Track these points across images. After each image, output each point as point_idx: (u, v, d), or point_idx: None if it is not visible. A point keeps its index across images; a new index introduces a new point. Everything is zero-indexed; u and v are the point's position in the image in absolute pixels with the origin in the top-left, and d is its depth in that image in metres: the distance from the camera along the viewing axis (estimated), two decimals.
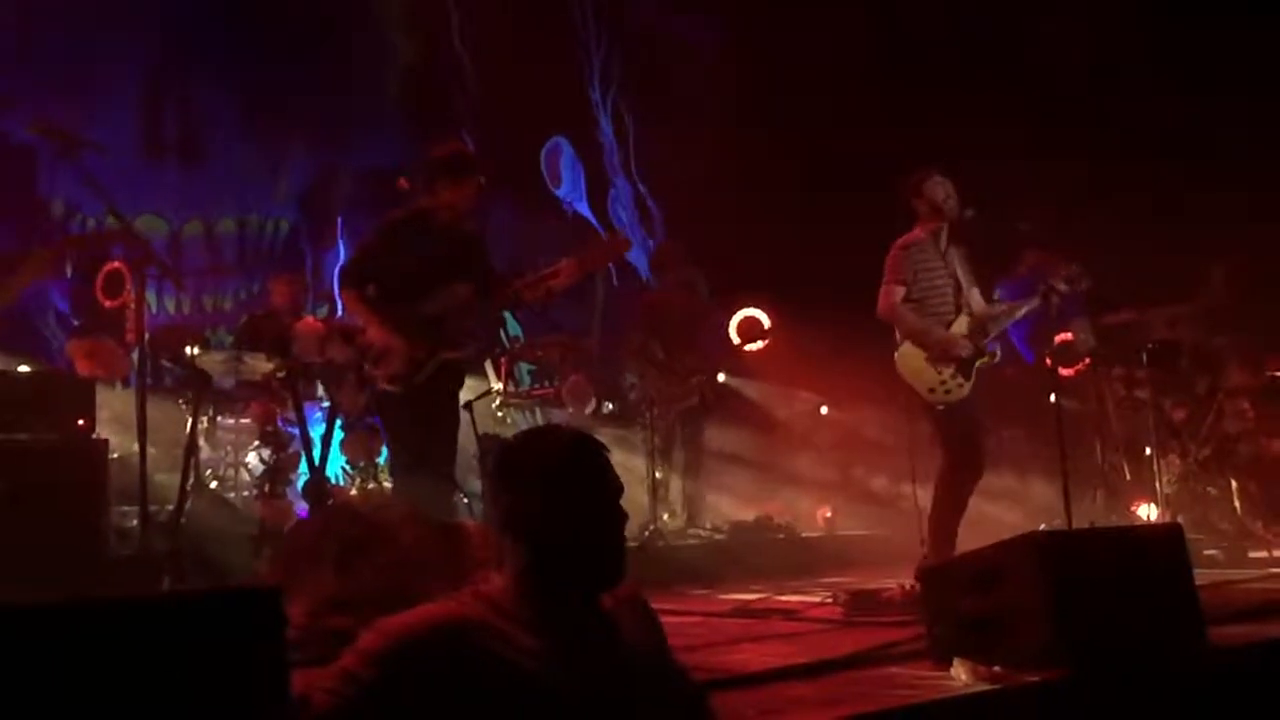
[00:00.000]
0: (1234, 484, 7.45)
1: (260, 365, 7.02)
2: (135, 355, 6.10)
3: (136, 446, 5.12)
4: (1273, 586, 5.66)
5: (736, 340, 10.27)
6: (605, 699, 2.07)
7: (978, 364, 5.66)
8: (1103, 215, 8.83)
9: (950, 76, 10.02)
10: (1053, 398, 5.81)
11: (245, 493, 7.06)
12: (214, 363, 7.04)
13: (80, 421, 5.62)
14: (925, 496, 5.84)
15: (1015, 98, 9.81)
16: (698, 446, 8.46)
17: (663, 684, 2.21)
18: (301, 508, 6.75)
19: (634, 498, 2.00)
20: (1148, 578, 3.70)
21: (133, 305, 6.14)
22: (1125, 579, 3.61)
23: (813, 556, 7.81)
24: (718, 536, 8.06)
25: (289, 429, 7.06)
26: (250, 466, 7.14)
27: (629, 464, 7.67)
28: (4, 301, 5.79)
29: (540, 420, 8.68)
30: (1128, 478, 7.77)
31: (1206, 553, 6.83)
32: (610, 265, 11.47)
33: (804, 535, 8.44)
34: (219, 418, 7.27)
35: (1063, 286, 5.91)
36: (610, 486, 2.20)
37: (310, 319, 7.98)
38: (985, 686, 3.23)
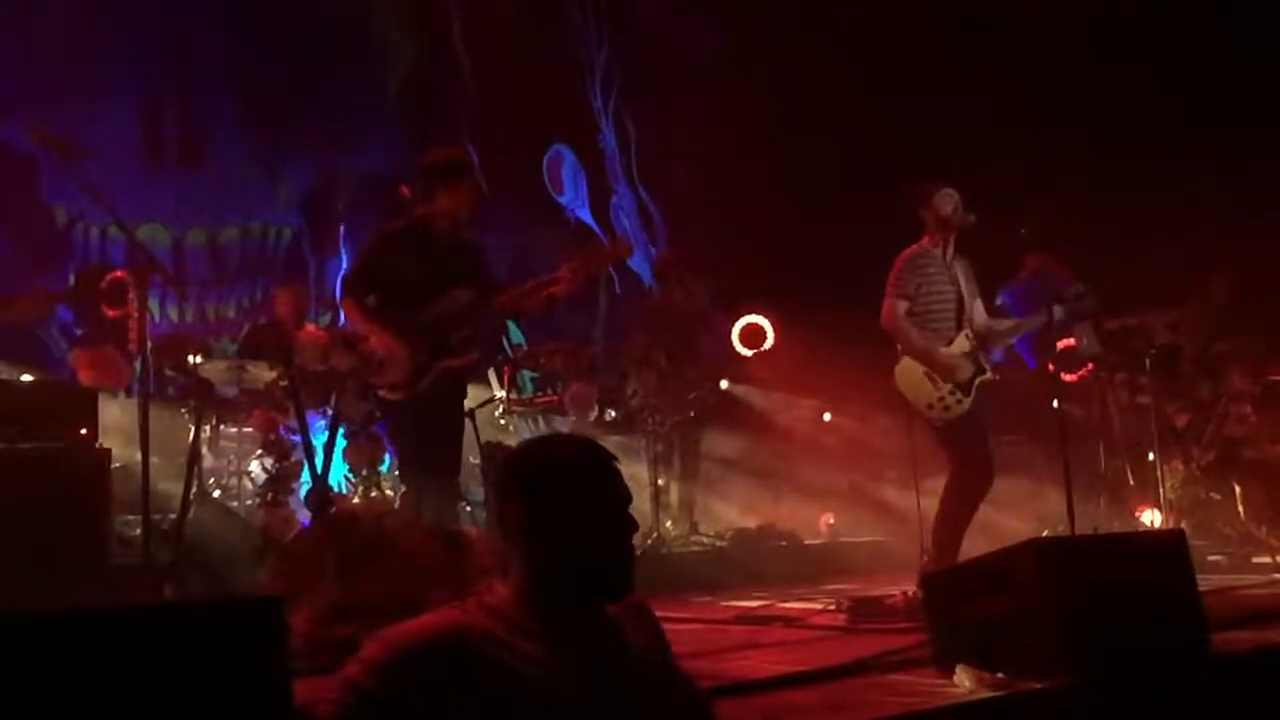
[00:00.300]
0: (1237, 489, 7.44)
1: (263, 374, 7.02)
2: (138, 364, 6.10)
3: (139, 455, 5.11)
4: (1276, 592, 5.66)
5: (739, 347, 10.28)
6: (609, 707, 2.06)
7: (977, 381, 5.66)
8: (1105, 220, 8.83)
9: (951, 81, 10.03)
10: (1055, 403, 5.80)
11: (248, 501, 7.07)
12: (217, 371, 7.05)
13: (83, 431, 5.63)
14: (927, 504, 5.83)
15: (1015, 100, 9.82)
16: (695, 453, 8.47)
17: (667, 692, 2.20)
18: (304, 516, 6.75)
19: (636, 505, 2.01)
20: (1151, 584, 3.69)
21: (135, 314, 6.14)
22: (1128, 585, 3.61)
23: (815, 563, 7.81)
24: (720, 544, 8.06)
25: (291, 438, 7.07)
26: (253, 475, 7.15)
27: (631, 472, 7.65)
28: None
29: (543, 428, 8.69)
30: (1131, 483, 7.76)
31: (1210, 558, 6.83)
32: (613, 272, 11.49)
33: (806, 542, 8.44)
34: (222, 426, 7.27)
35: (1066, 308, 5.91)
36: (619, 495, 2.20)
37: (313, 327, 7.99)
38: (988, 693, 3.23)
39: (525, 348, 9.79)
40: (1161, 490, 7.19)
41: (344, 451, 7.24)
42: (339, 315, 9.03)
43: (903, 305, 5.74)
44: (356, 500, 7.18)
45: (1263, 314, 7.77)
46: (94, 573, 5.15)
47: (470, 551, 4.25)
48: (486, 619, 2.06)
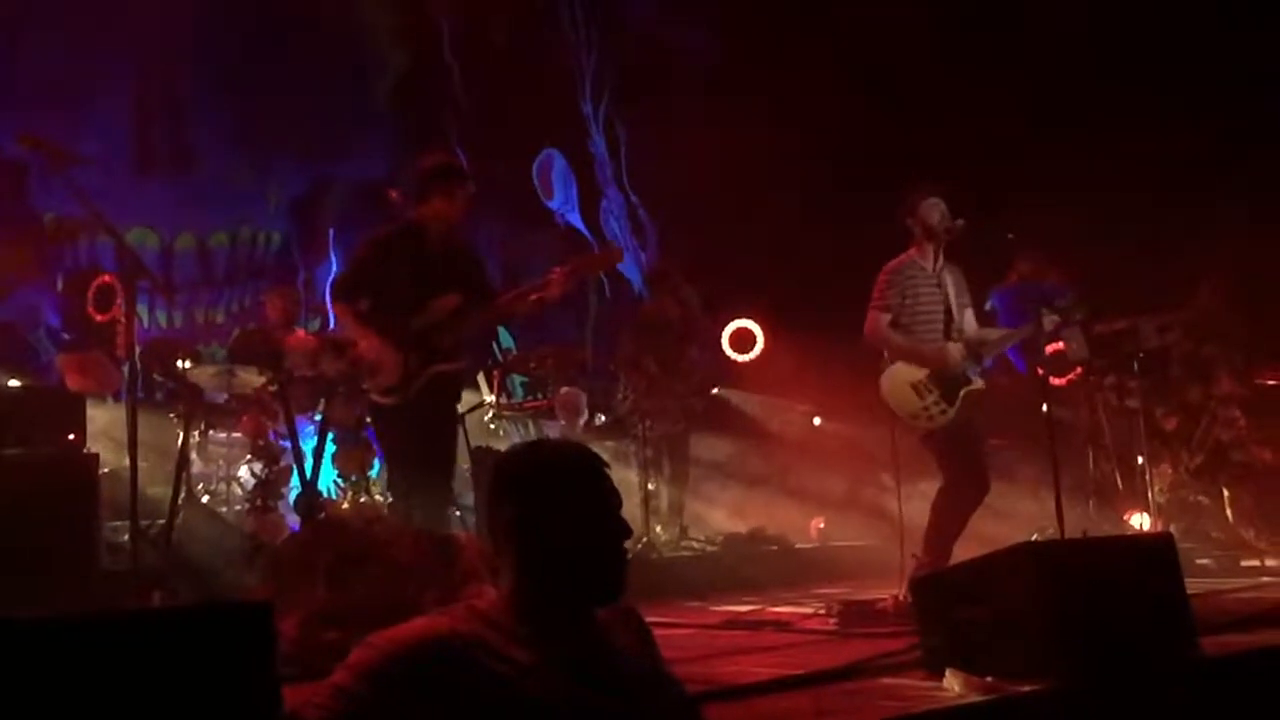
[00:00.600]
0: (1226, 493, 7.48)
1: (252, 379, 7.00)
2: (126, 369, 6.09)
3: (128, 460, 5.10)
4: (1265, 595, 5.67)
5: (730, 352, 10.29)
6: (599, 713, 2.06)
7: (962, 392, 5.66)
8: (1095, 223, 8.85)
9: (948, 83, 10.04)
10: (1044, 407, 5.81)
11: (237, 507, 7.04)
12: (206, 376, 7.03)
13: (71, 436, 5.62)
14: (911, 508, 5.85)
15: (1007, 101, 9.84)
16: (683, 457, 8.46)
17: (656, 697, 2.20)
18: (293, 521, 6.73)
19: (627, 510, 2.01)
20: (1140, 587, 3.70)
21: (124, 319, 6.14)
22: (1118, 588, 3.62)
23: (805, 568, 7.81)
24: (710, 548, 8.06)
25: (281, 443, 7.05)
26: (242, 480, 7.12)
27: (621, 477, 7.61)
28: None
29: (533, 432, 8.68)
30: (1120, 487, 7.78)
31: (1199, 562, 6.86)
32: (603, 277, 11.49)
33: (797, 547, 8.43)
34: (210, 431, 7.25)
35: (1056, 318, 5.92)
36: (610, 499, 2.20)
37: (302, 332, 7.98)
38: (978, 697, 3.24)
39: (515, 352, 9.79)
40: (1150, 494, 7.20)
41: (333, 457, 7.23)
42: (328, 320, 9.02)
43: (884, 318, 5.74)
44: (346, 505, 7.15)
45: (1251, 318, 7.80)
46: (82, 578, 5.13)
47: (460, 556, 4.25)
48: (476, 624, 2.05)
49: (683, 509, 8.47)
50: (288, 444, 6.84)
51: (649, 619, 2.33)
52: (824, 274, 9.12)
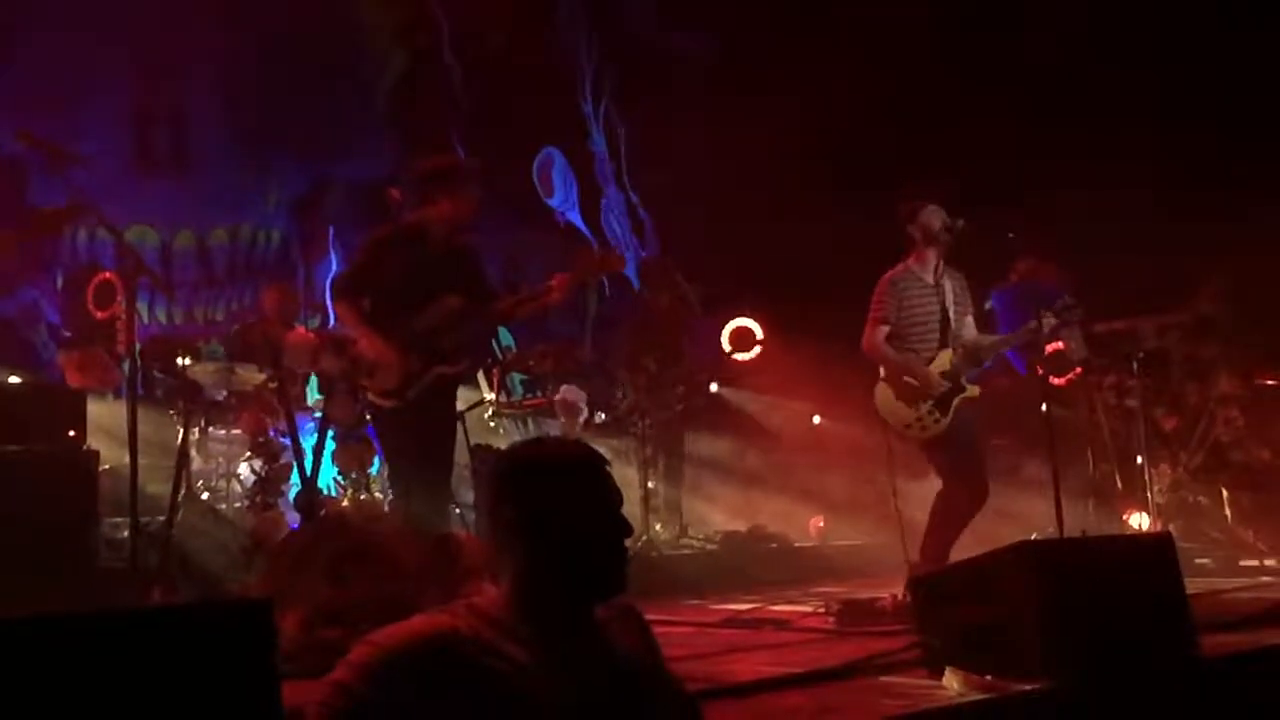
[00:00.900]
0: (1225, 493, 7.47)
1: (252, 376, 7.01)
2: (126, 366, 6.09)
3: (127, 458, 5.10)
4: (1264, 595, 5.67)
5: (729, 349, 10.28)
6: (599, 711, 2.06)
7: (956, 400, 5.67)
8: (1095, 223, 8.85)
9: (948, 82, 10.04)
10: (1044, 407, 5.81)
11: (237, 504, 7.04)
12: (205, 373, 7.03)
13: (71, 433, 5.61)
14: (906, 509, 5.86)
15: (1007, 101, 9.84)
16: (678, 453, 8.47)
17: (656, 694, 2.21)
18: (293, 519, 6.72)
19: (627, 508, 2.01)
20: (1139, 587, 3.70)
21: (123, 316, 6.14)
22: (1117, 588, 3.62)
23: (805, 566, 7.80)
24: (710, 547, 8.06)
25: (281, 440, 7.05)
26: (242, 478, 7.12)
27: (621, 474, 7.60)
28: None
29: (532, 430, 8.67)
30: (1119, 487, 7.77)
31: (1198, 561, 6.85)
32: (603, 277, 11.49)
33: (796, 545, 8.43)
34: (210, 429, 7.25)
35: (1054, 319, 5.93)
36: (611, 496, 2.20)
37: (302, 329, 7.98)
38: (977, 696, 3.24)
39: (514, 350, 9.79)
40: (1149, 493, 7.20)
41: (333, 454, 7.23)
42: (328, 318, 9.03)
43: (882, 331, 5.78)
44: (346, 503, 7.16)
45: (1251, 318, 7.79)
46: (82, 575, 5.13)
47: (460, 554, 4.25)
48: (475, 622, 2.05)
49: (679, 505, 8.47)
50: (288, 441, 6.84)
51: (649, 617, 2.33)
52: (824, 273, 9.12)
